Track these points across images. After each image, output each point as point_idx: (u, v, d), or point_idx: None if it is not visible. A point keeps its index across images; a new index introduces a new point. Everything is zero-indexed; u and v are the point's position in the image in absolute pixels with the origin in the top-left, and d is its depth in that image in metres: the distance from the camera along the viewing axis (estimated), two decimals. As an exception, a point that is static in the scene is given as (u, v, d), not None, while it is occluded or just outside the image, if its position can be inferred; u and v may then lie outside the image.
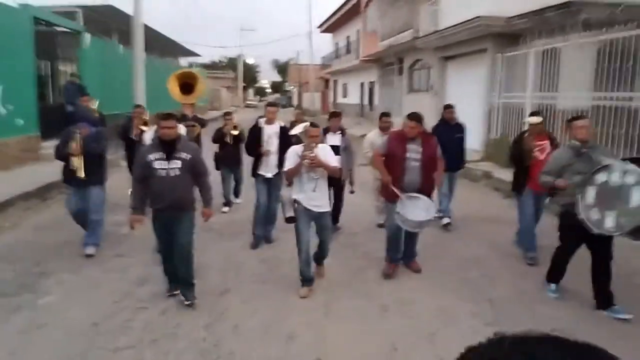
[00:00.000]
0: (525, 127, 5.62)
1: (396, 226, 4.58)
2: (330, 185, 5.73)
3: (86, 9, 13.91)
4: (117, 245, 5.42)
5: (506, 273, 4.95)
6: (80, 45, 12.22)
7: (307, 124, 4.93)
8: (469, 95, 12.68)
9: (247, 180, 6.71)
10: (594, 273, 4.01)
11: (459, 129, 6.51)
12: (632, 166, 3.58)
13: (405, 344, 3.52)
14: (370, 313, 4.02)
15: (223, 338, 3.57)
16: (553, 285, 4.29)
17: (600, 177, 3.69)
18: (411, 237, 4.85)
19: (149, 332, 3.61)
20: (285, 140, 5.33)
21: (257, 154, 5.52)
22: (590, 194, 3.72)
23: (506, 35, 10.97)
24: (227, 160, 7.11)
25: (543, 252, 4.94)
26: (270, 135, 5.54)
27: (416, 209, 4.44)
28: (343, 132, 5.98)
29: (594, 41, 8.47)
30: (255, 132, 5.61)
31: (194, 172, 4.03)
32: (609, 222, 3.65)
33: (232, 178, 7.27)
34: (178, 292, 4.11)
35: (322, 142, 5.54)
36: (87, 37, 12.34)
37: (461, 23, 11.38)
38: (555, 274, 4.27)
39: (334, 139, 5.91)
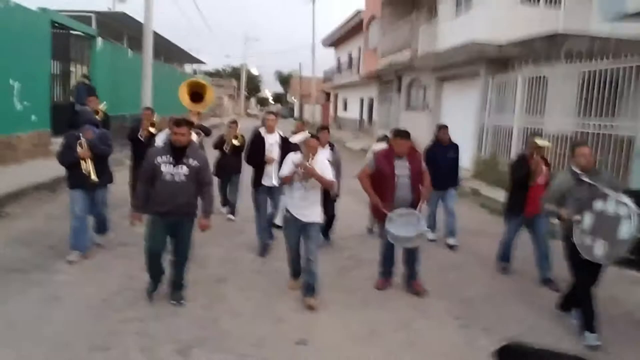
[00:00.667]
0: (525, 148, 5.65)
1: (388, 245, 4.67)
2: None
3: (99, 14, 14.47)
4: (123, 236, 5.83)
5: (483, 277, 5.40)
6: (93, 49, 12.78)
7: (307, 133, 5.06)
8: (462, 116, 13.27)
9: (244, 193, 6.81)
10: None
11: (453, 149, 6.54)
12: (626, 199, 3.59)
13: (382, 330, 3.97)
14: (352, 305, 4.47)
15: (220, 318, 4.02)
16: (594, 335, 3.80)
17: (599, 205, 3.73)
18: (411, 256, 4.77)
19: (152, 309, 4.06)
20: (287, 148, 5.41)
21: (260, 162, 5.59)
22: (587, 220, 3.77)
23: (498, 61, 11.58)
24: (226, 166, 7.17)
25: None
26: (272, 144, 5.63)
27: (406, 225, 4.46)
28: (332, 147, 6.01)
29: (578, 71, 9.05)
30: (258, 141, 5.68)
31: (199, 180, 4.04)
32: (598, 249, 3.68)
33: (227, 184, 7.27)
34: (155, 292, 4.21)
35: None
36: (99, 41, 12.92)
37: (456, 47, 12.00)
38: (590, 320, 3.84)
39: (323, 153, 5.91)
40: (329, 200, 5.75)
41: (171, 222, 3.99)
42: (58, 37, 11.19)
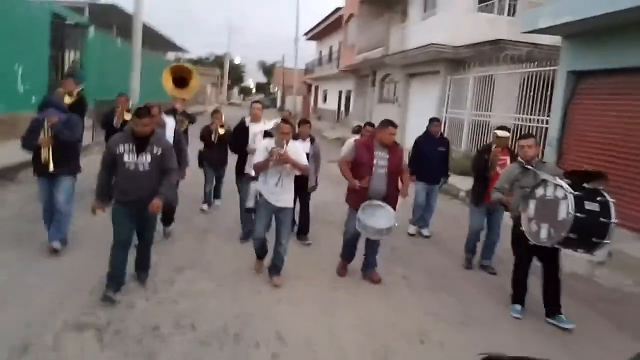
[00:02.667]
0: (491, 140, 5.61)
1: (354, 231, 4.65)
2: (297, 191, 5.64)
3: (92, 5, 15.42)
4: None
5: (449, 269, 5.51)
6: (85, 37, 13.74)
7: (279, 120, 5.03)
8: (425, 109, 14.66)
9: (227, 184, 6.95)
10: (544, 282, 4.22)
11: (442, 142, 6.53)
12: (562, 181, 3.70)
13: (334, 308, 4.55)
14: (323, 289, 4.58)
15: (205, 253, 5.26)
16: (517, 306, 4.23)
17: (539, 191, 3.89)
18: (371, 247, 4.80)
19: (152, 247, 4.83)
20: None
21: (244, 152, 5.65)
22: (531, 207, 3.93)
23: (455, 61, 13.00)
24: (212, 159, 6.98)
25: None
26: (256, 133, 5.60)
27: (377, 217, 4.46)
28: (312, 140, 5.95)
29: (519, 72, 10.49)
30: (242, 130, 5.75)
31: (162, 167, 3.91)
32: (543, 233, 3.79)
33: (214, 177, 7.13)
34: (118, 293, 3.94)
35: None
36: (91, 30, 13.88)
37: (419, 47, 13.37)
38: (517, 293, 4.27)
39: (304, 146, 5.81)
40: (302, 197, 5.83)
41: (135, 210, 3.90)
42: (55, 26, 12.15)
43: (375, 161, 4.55)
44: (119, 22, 18.32)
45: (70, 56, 13.41)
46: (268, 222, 4.53)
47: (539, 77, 9.61)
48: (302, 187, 5.66)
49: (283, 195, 4.43)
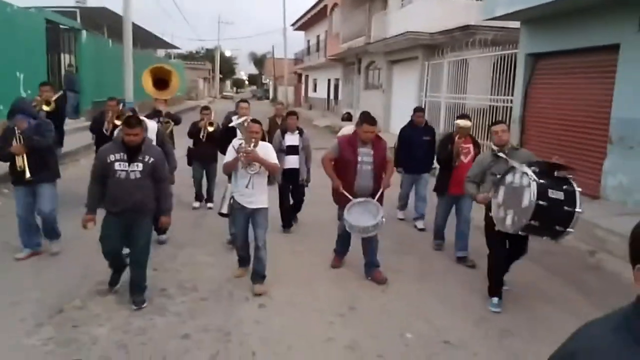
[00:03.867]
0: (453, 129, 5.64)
1: (345, 229, 4.64)
2: (290, 185, 5.98)
3: (83, 9, 16.04)
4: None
5: (422, 248, 5.74)
6: (79, 41, 14.37)
7: (248, 117, 4.97)
8: (407, 94, 15.42)
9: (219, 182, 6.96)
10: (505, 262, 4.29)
11: (428, 131, 6.47)
12: (528, 169, 3.67)
13: (315, 271, 5.28)
14: (305, 260, 5.27)
15: (202, 232, 6.05)
16: (495, 299, 4.15)
17: (509, 178, 3.88)
18: (369, 246, 4.67)
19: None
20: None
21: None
22: (500, 193, 3.95)
23: (431, 47, 13.68)
24: (201, 156, 6.88)
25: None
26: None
27: (364, 214, 4.41)
28: (301, 132, 5.91)
29: (488, 56, 11.18)
30: (229, 130, 5.65)
31: (155, 176, 3.88)
32: (509, 220, 3.80)
33: (203, 173, 7.02)
34: (118, 286, 4.15)
35: (280, 142, 5.78)
36: (84, 34, 14.50)
37: (398, 35, 14.04)
38: (494, 286, 4.20)
39: (293, 138, 5.86)
40: (297, 185, 5.97)
41: (126, 221, 3.83)
42: (49, 32, 12.79)
43: (360, 158, 4.49)
44: (109, 24, 18.90)
45: (65, 60, 14.06)
46: (246, 226, 4.40)
47: (507, 60, 10.30)
48: (295, 181, 5.84)
49: (255, 197, 4.28)
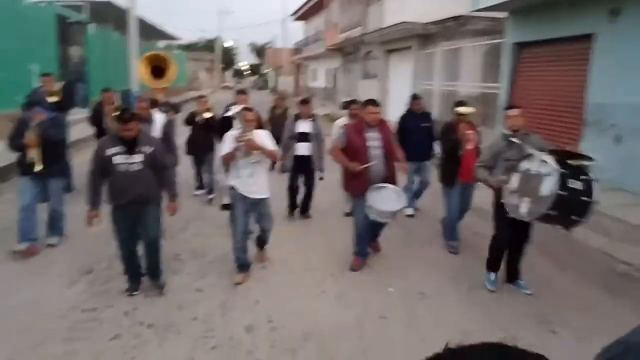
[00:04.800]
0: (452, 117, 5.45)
1: (365, 221, 4.48)
2: (301, 172, 5.99)
3: (90, 3, 16.58)
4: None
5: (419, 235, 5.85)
6: (86, 33, 14.90)
7: (242, 107, 4.97)
8: (402, 82, 15.93)
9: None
10: (510, 250, 4.34)
11: (426, 118, 6.41)
12: (549, 157, 3.62)
13: (308, 238, 6.26)
14: (300, 229, 6.09)
15: (206, 214, 6.64)
16: (492, 275, 4.30)
17: (524, 165, 3.81)
18: (380, 228, 4.88)
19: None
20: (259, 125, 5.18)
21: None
22: (514, 180, 3.87)
23: (425, 36, 14.16)
24: (198, 144, 6.79)
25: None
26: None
27: (386, 199, 4.33)
28: (314, 119, 5.87)
29: (478, 45, 11.68)
30: (227, 118, 5.72)
31: (156, 165, 3.88)
32: (523, 207, 3.75)
33: (202, 161, 6.97)
34: (138, 292, 4.04)
35: (292, 128, 5.84)
36: (91, 27, 15.04)
37: (393, 25, 14.51)
38: (492, 262, 4.32)
39: (305, 125, 5.84)
40: (308, 172, 5.95)
41: (134, 212, 3.86)
42: (59, 25, 13.33)
43: (368, 143, 4.42)
44: (115, 17, 19.42)
45: (74, 52, 14.61)
46: (247, 219, 4.33)
47: (497, 49, 10.81)
48: (308, 169, 5.84)
49: (257, 186, 4.27)
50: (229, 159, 4.24)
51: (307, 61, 36.80)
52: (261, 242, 4.68)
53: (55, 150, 4.77)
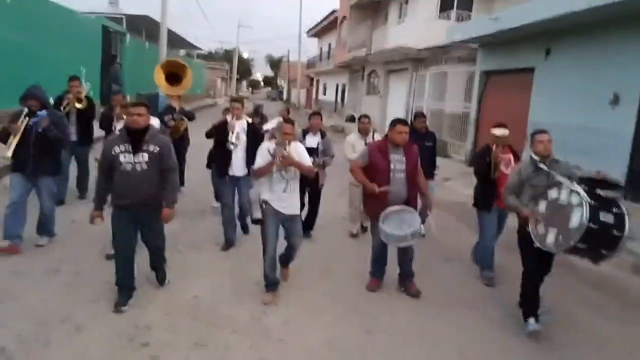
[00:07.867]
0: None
1: (381, 243, 4.27)
2: (305, 186, 5.44)
3: (128, 16, 18.96)
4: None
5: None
6: (123, 43, 17.16)
7: (280, 119, 4.74)
8: (400, 100, 17.92)
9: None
10: None
11: (430, 137, 6.18)
12: (578, 187, 3.48)
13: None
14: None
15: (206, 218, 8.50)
16: (532, 320, 3.79)
17: (553, 194, 3.65)
18: (404, 255, 4.38)
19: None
20: (254, 136, 5.08)
21: (226, 150, 5.08)
22: (542, 208, 3.70)
23: (418, 60, 16.16)
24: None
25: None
26: (238, 131, 5.10)
27: (400, 223, 4.12)
28: (323, 134, 5.69)
29: (460, 70, 13.62)
30: (222, 126, 5.21)
31: (162, 166, 3.71)
32: (550, 238, 3.59)
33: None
34: (127, 307, 3.69)
35: (300, 140, 5.41)
36: (128, 37, 17.30)
37: (392, 48, 16.54)
38: (529, 306, 3.86)
39: (313, 140, 5.62)
40: (312, 192, 5.71)
41: (136, 215, 3.72)
42: (103, 35, 15.59)
43: (392, 165, 4.19)
44: (146, 28, 21.82)
45: (113, 58, 16.84)
46: (277, 232, 4.09)
47: (473, 74, 12.76)
48: (313, 183, 5.48)
49: (289, 201, 4.08)
50: (263, 173, 4.04)
51: (319, 76, 38.99)
52: (286, 260, 4.39)
53: (49, 149, 4.68)
